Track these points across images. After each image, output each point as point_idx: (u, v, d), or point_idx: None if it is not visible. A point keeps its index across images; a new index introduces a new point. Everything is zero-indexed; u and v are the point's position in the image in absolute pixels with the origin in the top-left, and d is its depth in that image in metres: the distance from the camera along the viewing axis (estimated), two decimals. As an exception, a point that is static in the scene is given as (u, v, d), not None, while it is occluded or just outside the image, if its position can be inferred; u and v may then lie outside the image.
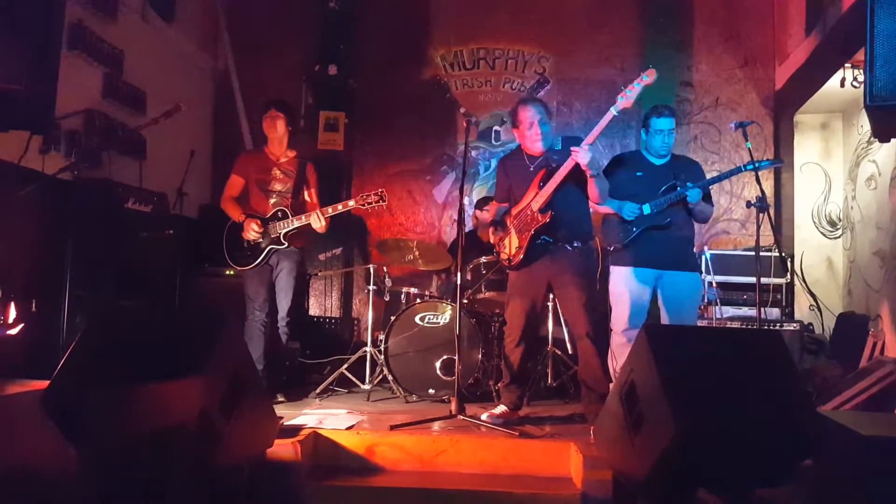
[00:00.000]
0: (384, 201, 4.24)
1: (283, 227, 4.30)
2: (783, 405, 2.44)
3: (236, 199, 4.47)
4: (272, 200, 4.38)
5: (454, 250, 4.02)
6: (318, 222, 4.25)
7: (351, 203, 4.29)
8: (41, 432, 2.45)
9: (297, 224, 4.28)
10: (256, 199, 4.42)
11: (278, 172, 4.43)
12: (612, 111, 3.50)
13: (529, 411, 4.13)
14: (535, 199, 3.69)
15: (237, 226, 4.36)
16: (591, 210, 3.88)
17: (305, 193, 4.48)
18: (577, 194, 3.71)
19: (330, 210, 4.27)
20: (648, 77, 3.48)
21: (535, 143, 3.76)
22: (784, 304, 5.33)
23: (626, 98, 3.48)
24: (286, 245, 4.31)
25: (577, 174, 3.59)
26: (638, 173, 3.93)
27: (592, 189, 3.65)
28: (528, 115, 3.73)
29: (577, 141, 3.58)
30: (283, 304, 4.41)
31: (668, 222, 3.82)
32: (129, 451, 2.34)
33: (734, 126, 3.98)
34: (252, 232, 4.26)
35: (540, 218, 3.65)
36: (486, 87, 6.62)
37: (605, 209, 3.92)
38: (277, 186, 4.41)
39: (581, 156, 3.48)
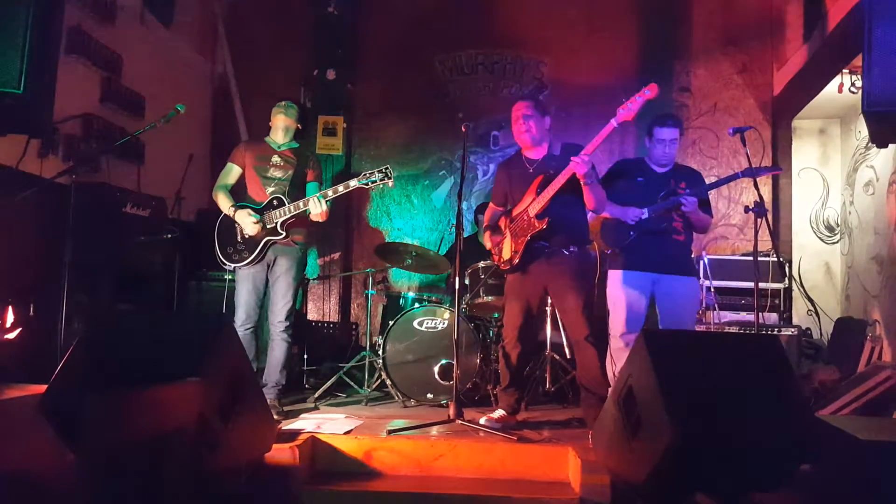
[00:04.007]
0: (390, 178, 3.87)
1: (279, 216, 3.91)
2: (781, 410, 2.45)
3: (231, 191, 4.11)
4: (270, 189, 4.03)
5: (452, 254, 4.01)
6: (317, 207, 3.87)
7: (353, 183, 3.89)
8: (39, 436, 2.44)
9: (294, 211, 3.90)
10: (253, 188, 4.07)
11: (278, 159, 4.09)
12: (613, 123, 3.51)
13: (528, 416, 4.14)
14: (532, 204, 3.70)
15: (229, 219, 4.01)
16: (588, 215, 3.90)
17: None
18: (574, 201, 3.72)
19: (330, 193, 3.89)
20: (650, 92, 3.47)
21: (521, 136, 3.83)
22: (782, 309, 5.33)
23: (627, 110, 3.49)
24: (284, 235, 3.93)
25: (574, 181, 3.61)
26: (639, 179, 3.94)
27: (588, 196, 3.68)
28: (516, 109, 3.83)
29: (577, 148, 3.58)
30: (280, 308, 3.99)
31: (665, 227, 3.83)
32: (127, 456, 2.34)
33: (732, 131, 3.98)
34: (251, 225, 3.89)
35: (537, 224, 3.67)
36: (485, 93, 6.63)
37: (607, 215, 3.93)
38: (277, 174, 4.06)
39: (580, 167, 3.50)
